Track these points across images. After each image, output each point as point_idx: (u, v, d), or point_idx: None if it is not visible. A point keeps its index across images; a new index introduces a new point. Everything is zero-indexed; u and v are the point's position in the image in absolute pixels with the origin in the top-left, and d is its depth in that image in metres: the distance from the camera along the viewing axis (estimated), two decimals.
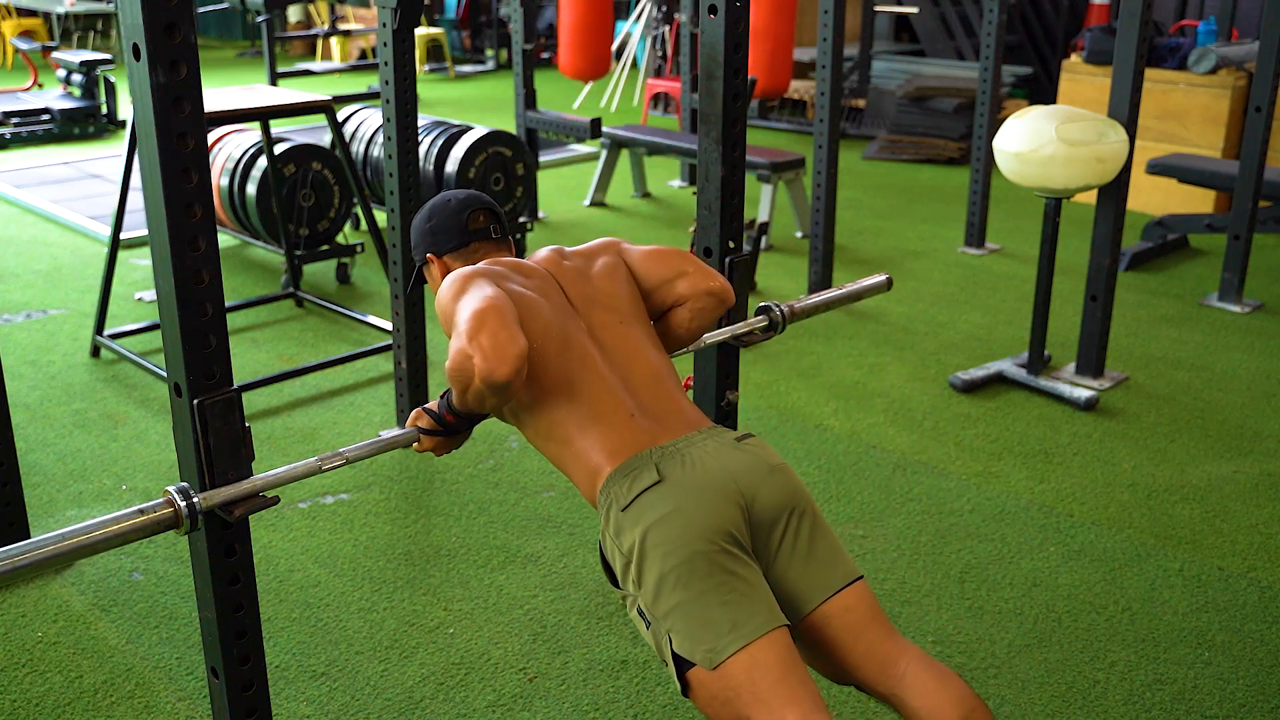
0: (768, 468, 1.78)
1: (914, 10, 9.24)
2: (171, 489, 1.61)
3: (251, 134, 5.08)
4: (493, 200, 2.09)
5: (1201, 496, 3.22)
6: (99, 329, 4.15)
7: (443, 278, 2.01)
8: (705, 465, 1.75)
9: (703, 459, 1.76)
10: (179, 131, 1.51)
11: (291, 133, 6.51)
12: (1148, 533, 3.03)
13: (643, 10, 9.55)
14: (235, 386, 1.64)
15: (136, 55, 1.49)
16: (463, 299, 1.78)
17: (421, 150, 5.24)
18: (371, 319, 4.46)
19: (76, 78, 8.34)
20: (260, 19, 8.10)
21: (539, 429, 1.86)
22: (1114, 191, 3.80)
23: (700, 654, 1.63)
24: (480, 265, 1.93)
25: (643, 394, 1.85)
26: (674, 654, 1.65)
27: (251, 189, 4.87)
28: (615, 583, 1.77)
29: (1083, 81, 6.52)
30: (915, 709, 1.69)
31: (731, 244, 2.32)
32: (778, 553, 1.76)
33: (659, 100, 9.20)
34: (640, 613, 1.71)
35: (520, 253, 5.43)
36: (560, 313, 1.89)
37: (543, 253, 2.03)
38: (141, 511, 1.58)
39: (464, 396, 1.76)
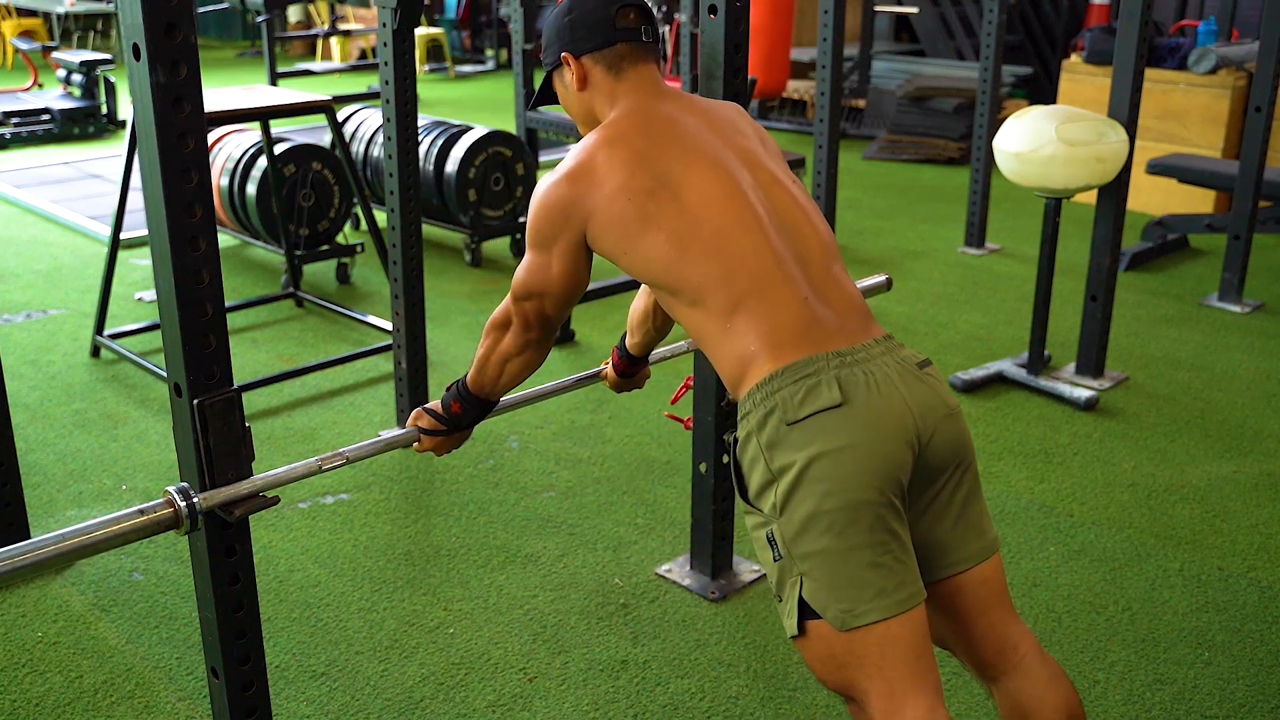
0: (948, 409, 1.59)
1: (914, 10, 9.24)
2: (171, 489, 1.61)
3: (251, 134, 5.08)
4: None
5: (1201, 496, 3.22)
6: (99, 329, 4.15)
7: (580, 83, 1.78)
8: (889, 394, 1.53)
9: (887, 384, 1.54)
10: (179, 131, 1.51)
11: (291, 133, 6.51)
12: (1148, 533, 3.03)
13: None
14: (235, 386, 1.64)
15: (136, 55, 1.49)
16: (540, 250, 1.72)
17: (421, 150, 5.24)
18: (371, 319, 4.46)
19: (76, 78, 8.34)
20: (260, 19, 8.11)
21: (685, 293, 1.62)
22: (1114, 191, 3.80)
23: (834, 612, 1.50)
24: (620, 134, 1.68)
25: (816, 276, 1.62)
26: (801, 599, 1.52)
27: (251, 189, 4.87)
28: (744, 493, 1.59)
29: (1083, 81, 6.52)
30: (1020, 702, 1.64)
31: None
32: (931, 504, 1.61)
33: None
34: (771, 539, 1.54)
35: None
36: (719, 162, 1.66)
37: (683, 96, 1.81)
38: (141, 511, 1.58)
39: (485, 365, 1.84)
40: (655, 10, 6.86)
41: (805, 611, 1.52)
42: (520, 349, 1.86)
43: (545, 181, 1.72)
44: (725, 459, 1.99)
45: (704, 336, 1.64)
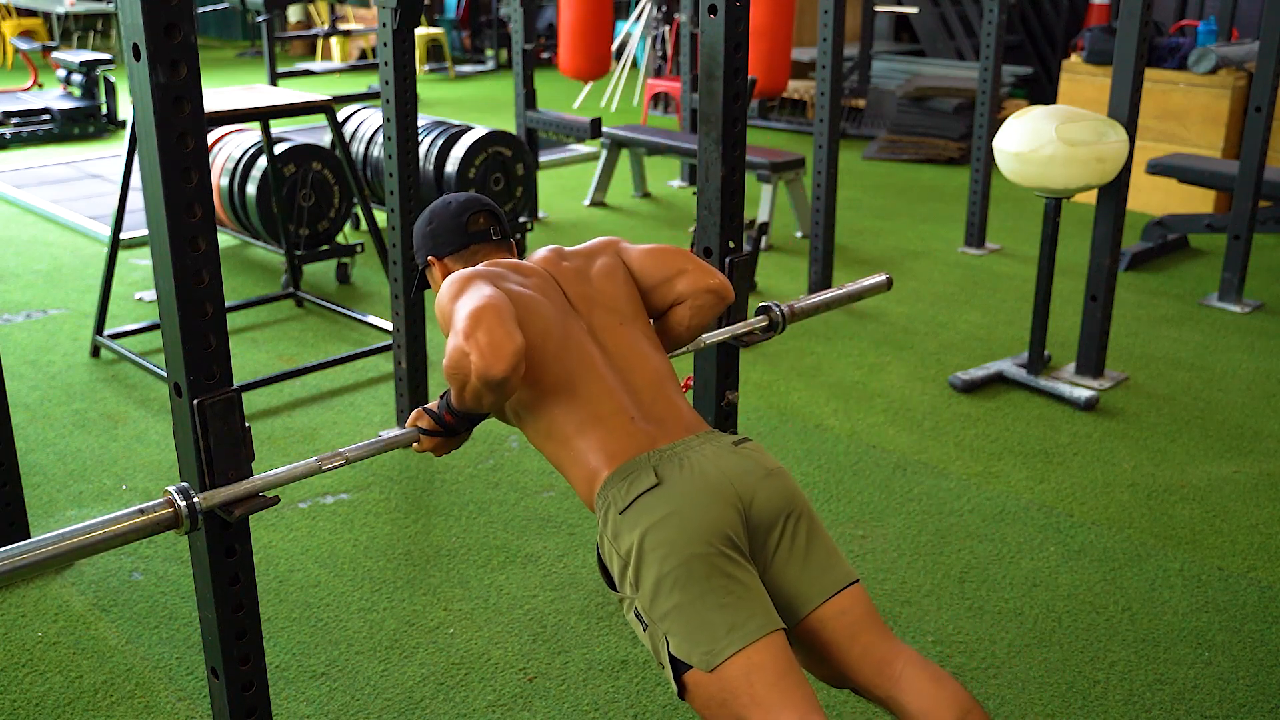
0: (764, 471, 1.79)
1: (914, 10, 9.25)
2: (171, 489, 1.61)
3: (251, 134, 5.08)
4: (493, 202, 2.09)
5: (1201, 496, 3.22)
6: (99, 329, 4.15)
7: (444, 280, 2.01)
8: (703, 469, 1.75)
9: (700, 462, 1.76)
10: (179, 131, 1.51)
11: (291, 133, 6.51)
12: (1148, 533, 3.03)
13: (643, 10, 9.55)
14: (235, 386, 1.64)
15: (136, 55, 1.49)
16: (460, 299, 1.78)
17: (421, 150, 5.24)
18: (371, 319, 4.46)
19: (76, 78, 8.34)
20: (260, 19, 8.10)
21: (539, 429, 1.86)
22: (1114, 191, 3.80)
23: (697, 656, 1.63)
24: (479, 267, 1.93)
25: (643, 397, 1.85)
26: (671, 656, 1.66)
27: (251, 189, 4.87)
28: (612, 585, 1.77)
29: (1083, 81, 6.52)
30: (911, 711, 1.70)
31: (731, 244, 2.32)
32: (774, 556, 1.76)
33: (659, 100, 9.20)
34: (637, 615, 1.71)
35: (521, 252, 5.43)
36: (560, 312, 1.89)
37: (541, 253, 2.03)
38: (141, 511, 1.58)
39: (462, 395, 1.76)
40: (655, 10, 6.84)
41: (678, 667, 1.66)
42: None
43: (440, 298, 1.86)
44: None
45: (558, 463, 1.86)
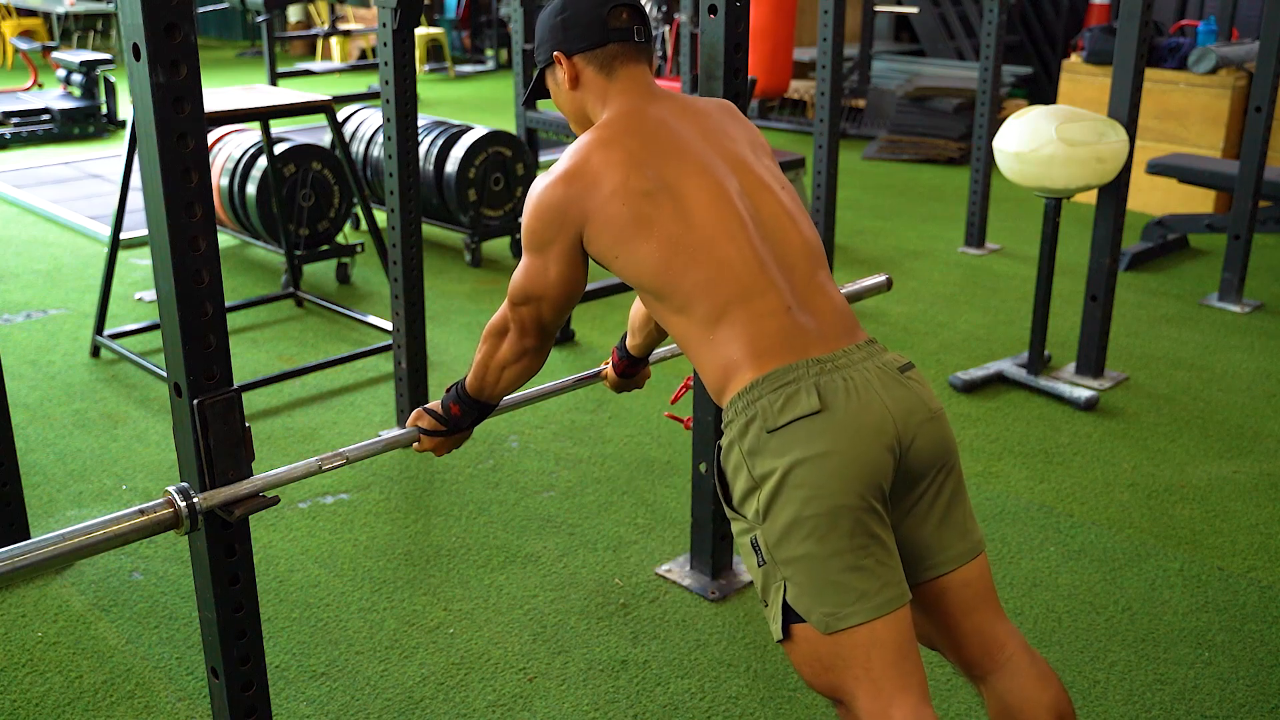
0: (929, 413, 1.60)
1: (914, 10, 9.25)
2: (171, 489, 1.61)
3: (251, 134, 5.08)
4: None
5: (1201, 496, 3.22)
6: (99, 329, 4.15)
7: (570, 83, 1.79)
8: (868, 399, 1.54)
9: (866, 389, 1.55)
10: (179, 131, 1.51)
11: (291, 133, 6.51)
12: (1148, 533, 3.03)
13: None
14: (235, 386, 1.64)
15: (136, 55, 1.49)
16: (537, 253, 1.71)
17: (421, 150, 5.24)
18: (371, 319, 4.46)
19: (76, 78, 8.34)
20: (260, 19, 8.11)
21: (671, 301, 1.64)
22: (1114, 191, 3.80)
23: (818, 615, 1.51)
24: (608, 139, 1.68)
25: (800, 283, 1.63)
26: (785, 603, 1.53)
27: (251, 189, 4.87)
28: (728, 500, 1.61)
29: (1083, 81, 6.52)
30: (1008, 703, 1.64)
31: None
32: (914, 507, 1.62)
33: None
34: (755, 545, 1.56)
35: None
36: (707, 167, 1.67)
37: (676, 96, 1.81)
38: (141, 511, 1.58)
39: (485, 369, 1.84)
40: (655, 10, 6.87)
41: (790, 616, 1.54)
42: (517, 356, 1.86)
43: (540, 183, 1.72)
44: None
45: (689, 344, 1.65)
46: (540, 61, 1.83)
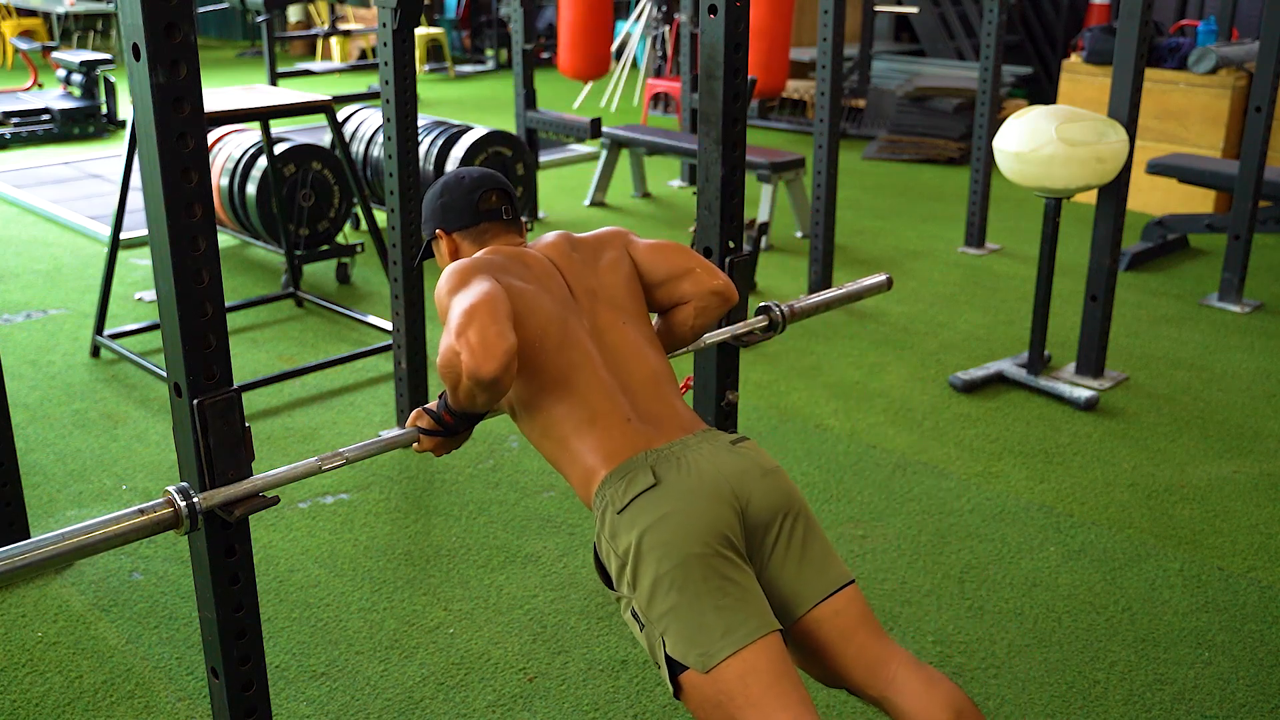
0: (761, 471, 1.78)
1: (914, 10, 9.24)
2: (171, 489, 1.60)
3: (251, 134, 5.08)
4: (507, 181, 2.06)
5: (1201, 496, 3.22)
6: (99, 329, 4.15)
7: (450, 255, 2.01)
8: (700, 468, 1.74)
9: (698, 462, 1.76)
10: (179, 131, 1.51)
11: (291, 133, 6.51)
12: (1148, 533, 3.03)
13: (643, 10, 9.55)
14: (235, 386, 1.64)
15: (136, 55, 1.49)
16: (458, 295, 1.78)
17: (421, 150, 5.24)
18: (371, 319, 4.46)
19: (76, 78, 8.34)
20: (260, 19, 8.10)
21: (536, 427, 1.86)
22: (1114, 191, 3.80)
23: (694, 657, 1.63)
24: (480, 255, 1.91)
25: (640, 397, 1.85)
26: (667, 656, 1.66)
27: (251, 189, 4.87)
28: (610, 585, 1.77)
29: (1083, 81, 6.52)
30: (905, 711, 1.70)
31: (731, 244, 2.32)
32: (770, 556, 1.76)
33: (659, 100, 9.20)
34: (634, 615, 1.71)
35: None
36: (562, 307, 1.87)
37: (549, 238, 2.01)
38: (141, 511, 1.58)
39: (455, 393, 1.75)
40: (655, 10, 6.86)
41: (674, 667, 1.66)
42: None
43: (441, 283, 1.84)
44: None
45: (555, 461, 1.86)
46: (426, 236, 2.06)
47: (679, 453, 1.77)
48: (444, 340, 1.73)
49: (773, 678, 1.61)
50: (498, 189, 2.03)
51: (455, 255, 2.01)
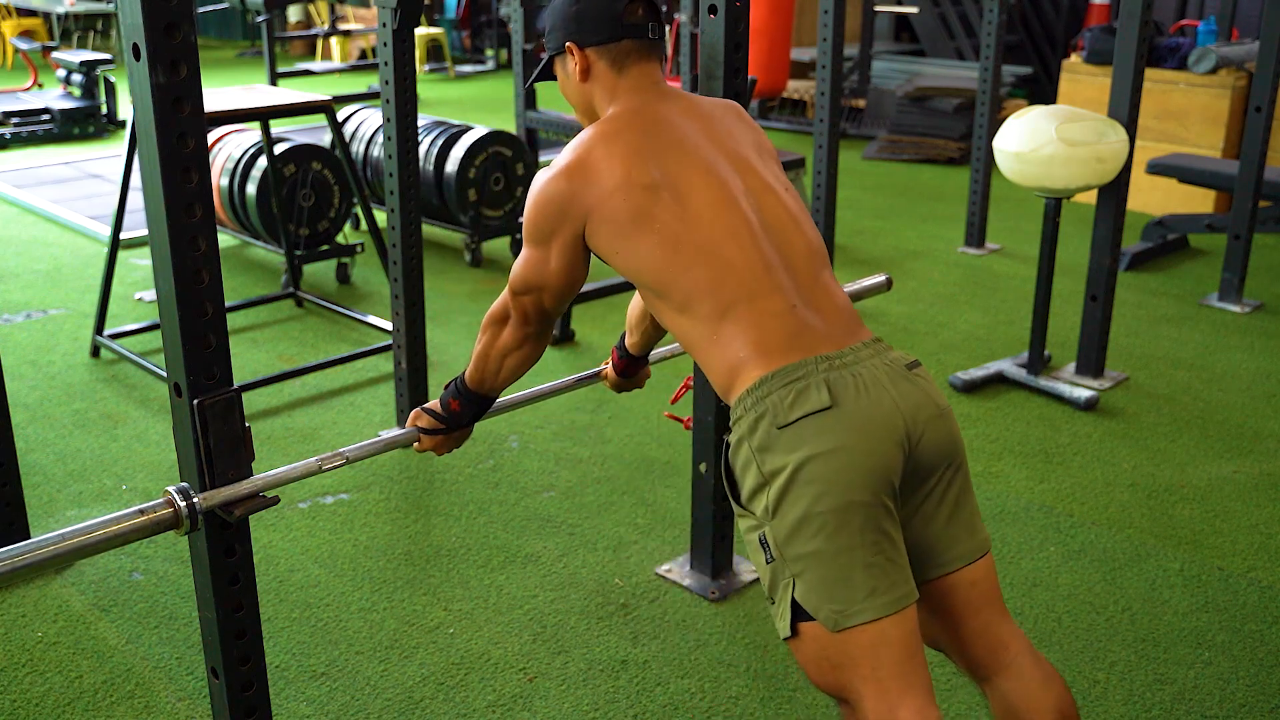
0: (937, 410, 1.59)
1: (914, 10, 9.25)
2: (171, 489, 1.60)
3: (251, 134, 5.08)
4: None
5: (1201, 496, 3.22)
6: (99, 329, 4.15)
7: (581, 74, 1.78)
8: (877, 395, 1.54)
9: (875, 385, 1.55)
10: (179, 131, 1.51)
11: (291, 133, 6.51)
12: (1148, 533, 3.03)
13: None
14: (235, 386, 1.64)
15: (136, 55, 1.49)
16: (538, 246, 1.72)
17: (421, 150, 5.24)
18: (371, 319, 4.46)
19: (76, 78, 8.34)
20: (260, 19, 8.10)
21: (672, 297, 1.63)
22: (1114, 191, 3.80)
23: (826, 612, 1.50)
24: (617, 132, 1.68)
25: (804, 281, 1.63)
26: (794, 600, 1.53)
27: (251, 189, 4.87)
28: (736, 497, 1.60)
29: (1083, 81, 6.52)
30: (1012, 703, 1.64)
31: None
32: (922, 505, 1.61)
33: None
34: (763, 542, 1.55)
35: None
36: (714, 164, 1.68)
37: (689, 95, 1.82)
38: (141, 511, 1.58)
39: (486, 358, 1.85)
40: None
41: (798, 613, 1.53)
42: (519, 343, 1.86)
43: (542, 176, 1.72)
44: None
45: (692, 343, 1.65)
46: (550, 49, 1.82)
47: (853, 366, 1.56)
48: (516, 267, 1.77)
49: (905, 655, 1.51)
50: (645, 1, 1.77)
51: (587, 75, 1.78)
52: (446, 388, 1.97)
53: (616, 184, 1.65)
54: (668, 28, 6.84)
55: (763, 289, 1.59)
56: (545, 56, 1.85)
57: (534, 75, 1.89)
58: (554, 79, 1.87)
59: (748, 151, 1.75)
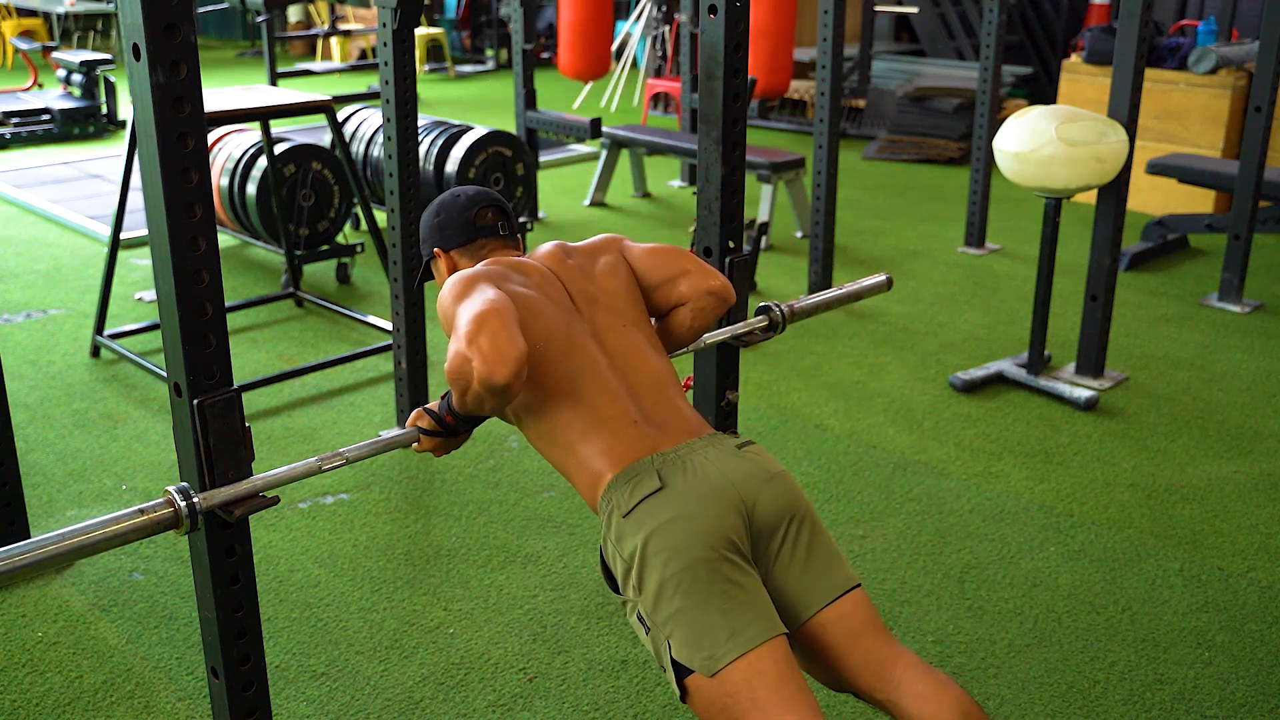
0: (767, 475, 1.79)
1: (914, 10, 9.25)
2: (171, 489, 1.60)
3: (251, 134, 5.08)
4: (501, 198, 2.08)
5: (1201, 496, 3.22)
6: (99, 329, 4.15)
7: (449, 273, 2.01)
8: (706, 472, 1.75)
9: (704, 466, 1.76)
10: (179, 131, 1.51)
11: (291, 133, 6.51)
12: (1148, 533, 3.03)
13: (643, 10, 9.55)
14: (235, 386, 1.64)
15: (136, 55, 1.49)
16: (463, 302, 1.77)
17: (421, 150, 5.24)
18: (371, 319, 4.46)
19: (76, 78, 8.34)
20: (260, 19, 8.10)
21: (541, 432, 1.86)
22: (1114, 191, 3.80)
23: (699, 661, 1.63)
24: (481, 266, 1.92)
25: (645, 400, 1.85)
26: (673, 660, 1.66)
27: (251, 189, 4.87)
28: (615, 588, 1.77)
29: (1083, 81, 6.52)
30: (911, 714, 1.70)
31: (731, 244, 2.32)
32: (776, 559, 1.77)
33: (659, 100, 9.20)
34: (640, 618, 1.71)
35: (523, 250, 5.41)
36: (564, 313, 1.88)
37: (545, 248, 2.02)
38: (141, 511, 1.58)
39: (463, 399, 1.74)
40: (655, 10, 6.84)
41: (680, 671, 1.66)
42: None
43: (442, 299, 1.85)
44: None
45: (564, 469, 1.86)
46: (425, 255, 2.07)
47: (685, 456, 1.78)
48: (452, 346, 1.73)
49: (778, 680, 1.61)
50: (493, 205, 2.04)
51: (454, 273, 2.01)
52: (443, 397, 1.98)
53: (501, 281, 1.86)
54: (666, 30, 6.83)
55: (609, 412, 1.81)
56: (423, 262, 2.10)
57: (418, 279, 2.19)
58: (432, 279, 2.11)
59: (605, 294, 1.95)
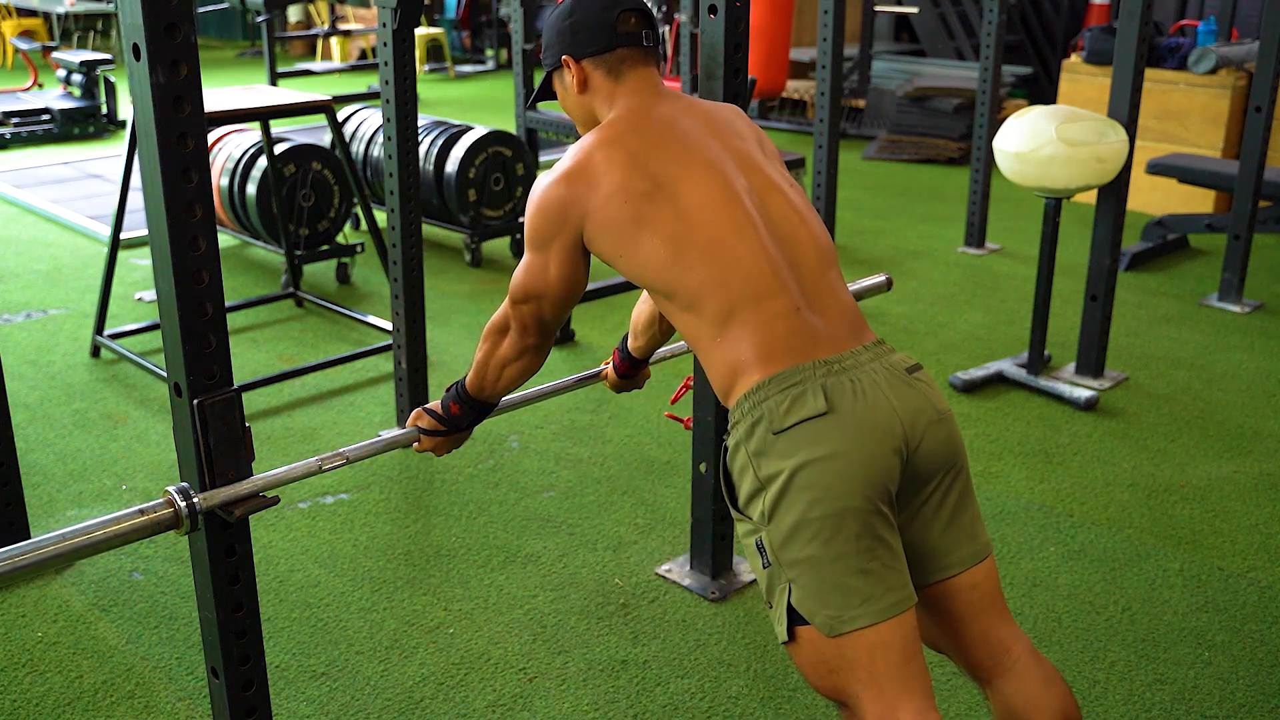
0: (937, 415, 1.58)
1: (914, 10, 9.24)
2: (171, 489, 1.61)
3: (251, 134, 5.08)
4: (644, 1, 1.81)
5: (1201, 496, 3.22)
6: (99, 329, 4.15)
7: (579, 87, 1.79)
8: (875, 401, 1.53)
9: (873, 390, 1.54)
10: (179, 131, 1.51)
11: (291, 133, 6.51)
12: (1148, 533, 3.03)
13: None
14: (235, 386, 1.64)
15: (136, 55, 1.49)
16: (554, 244, 1.70)
17: (421, 150, 5.24)
18: (371, 319, 4.46)
19: (76, 78, 8.34)
20: (260, 19, 8.10)
21: (678, 296, 1.63)
22: (1114, 191, 3.80)
23: (822, 618, 1.50)
24: (614, 133, 1.69)
25: (809, 283, 1.62)
26: (789, 605, 1.53)
27: (251, 189, 4.87)
28: (733, 501, 1.60)
29: (1083, 81, 6.52)
30: (1013, 706, 1.64)
31: None
32: (921, 510, 1.60)
33: None
34: (760, 546, 1.55)
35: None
36: (718, 161, 1.67)
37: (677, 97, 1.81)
38: (141, 511, 1.58)
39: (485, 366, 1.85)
40: (655, 10, 6.87)
41: (794, 618, 1.53)
42: (518, 354, 1.86)
43: (542, 181, 1.72)
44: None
45: (696, 342, 1.65)
46: (547, 65, 1.82)
47: (852, 370, 1.55)
48: (516, 275, 1.76)
49: (903, 659, 1.50)
50: (638, 10, 1.77)
51: (585, 87, 1.79)
52: (448, 390, 1.98)
53: (616, 187, 1.65)
54: (666, 30, 6.84)
55: (768, 289, 1.58)
56: (544, 74, 1.86)
57: (534, 95, 1.90)
58: (554, 97, 1.87)
59: (751, 149, 1.74)
